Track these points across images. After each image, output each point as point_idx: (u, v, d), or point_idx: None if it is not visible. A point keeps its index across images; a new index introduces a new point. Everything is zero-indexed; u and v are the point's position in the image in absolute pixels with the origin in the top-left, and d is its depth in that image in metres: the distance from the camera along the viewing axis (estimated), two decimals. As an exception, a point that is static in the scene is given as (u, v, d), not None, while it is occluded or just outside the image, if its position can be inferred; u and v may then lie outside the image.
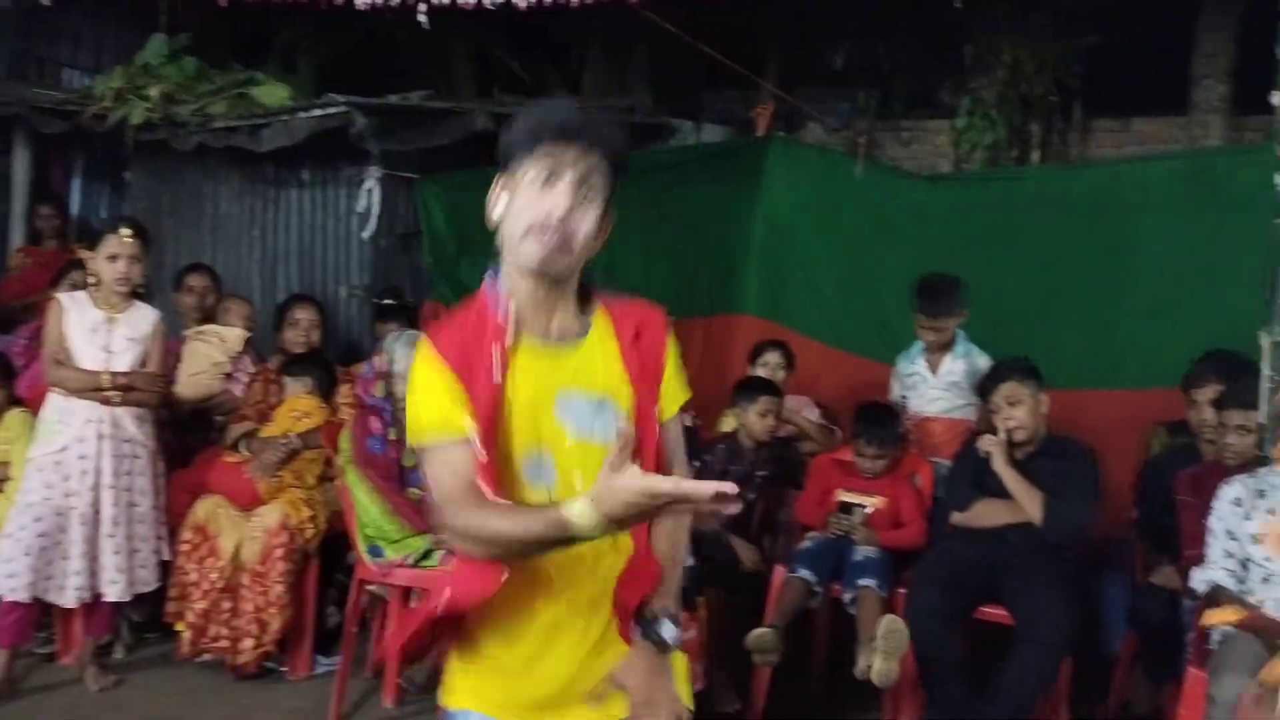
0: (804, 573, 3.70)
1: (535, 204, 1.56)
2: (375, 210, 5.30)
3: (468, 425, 1.56)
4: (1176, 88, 5.62)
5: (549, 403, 1.62)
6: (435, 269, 5.48)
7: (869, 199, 5.34)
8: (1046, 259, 4.88)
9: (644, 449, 1.64)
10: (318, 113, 5.04)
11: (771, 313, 5.48)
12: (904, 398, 4.35)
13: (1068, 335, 4.72)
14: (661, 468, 1.69)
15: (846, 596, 3.63)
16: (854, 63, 6.23)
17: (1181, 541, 3.43)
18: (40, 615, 3.82)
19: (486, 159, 5.71)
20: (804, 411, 4.60)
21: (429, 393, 1.60)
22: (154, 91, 5.05)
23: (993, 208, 5.15)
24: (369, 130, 4.93)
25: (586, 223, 1.59)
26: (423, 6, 4.23)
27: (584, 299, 1.68)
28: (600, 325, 1.69)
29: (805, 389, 4.82)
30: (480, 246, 5.83)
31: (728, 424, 4.31)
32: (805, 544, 3.91)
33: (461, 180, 5.67)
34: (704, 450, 4.07)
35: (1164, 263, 4.59)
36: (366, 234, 5.38)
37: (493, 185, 1.63)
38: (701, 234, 5.57)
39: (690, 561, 3.80)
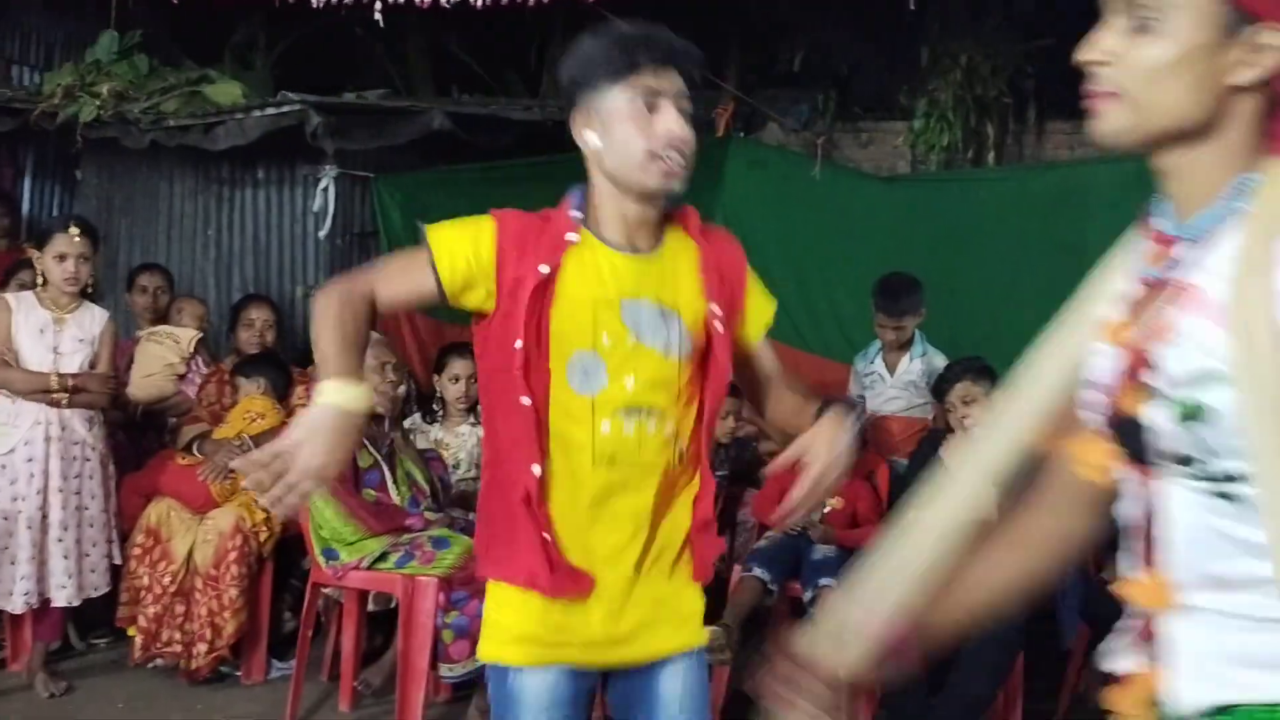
0: (759, 571, 3.70)
1: (647, 130, 1.64)
2: (331, 209, 5.26)
3: (444, 274, 1.68)
4: (1129, 90, 5.70)
5: (615, 306, 1.67)
6: (392, 269, 5.44)
7: (827, 200, 5.38)
8: (1002, 259, 4.94)
9: (718, 361, 1.73)
10: (272, 111, 4.99)
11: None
12: (862, 397, 4.38)
13: (1023, 334, 4.76)
14: (757, 384, 1.85)
15: (806, 596, 3.64)
16: (812, 64, 6.24)
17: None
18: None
19: (443, 158, 5.75)
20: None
21: (464, 228, 1.74)
22: (105, 89, 4.96)
23: (949, 209, 5.20)
24: (325, 129, 4.89)
25: (693, 140, 1.68)
26: (378, 4, 4.19)
27: (664, 215, 1.74)
28: (676, 240, 1.75)
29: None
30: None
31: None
32: (761, 543, 3.93)
33: (419, 180, 5.65)
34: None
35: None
36: (323, 233, 5.33)
37: (571, 121, 1.72)
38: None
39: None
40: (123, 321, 4.06)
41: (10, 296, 3.72)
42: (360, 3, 4.20)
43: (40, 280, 3.67)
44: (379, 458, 3.65)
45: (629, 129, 1.64)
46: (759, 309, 1.82)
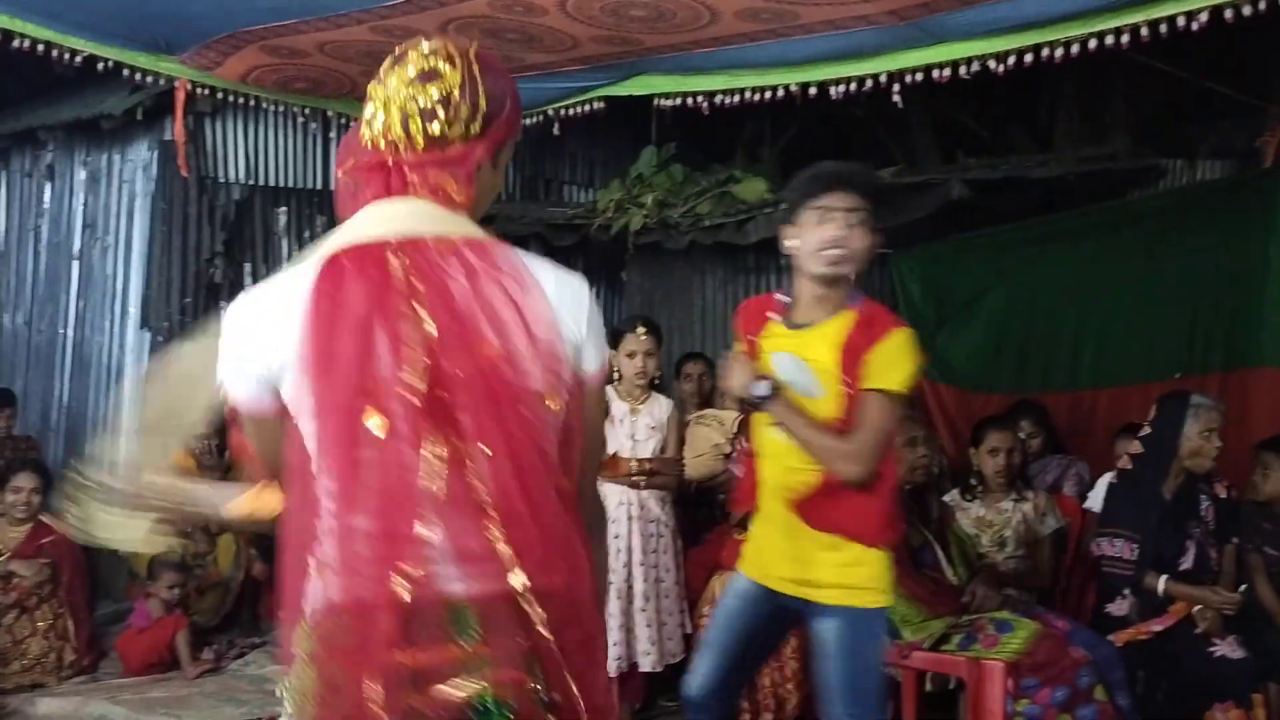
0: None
1: (818, 233, 2.42)
2: (852, 288, 5.39)
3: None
4: None
5: (768, 356, 2.52)
6: (913, 341, 5.46)
7: None
8: None
9: (841, 405, 2.41)
10: (796, 202, 5.25)
11: (1302, 364, 4.81)
12: None
13: None
14: (849, 426, 2.39)
15: None
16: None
17: None
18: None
19: (953, 227, 5.65)
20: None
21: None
22: (649, 199, 5.55)
23: None
24: (845, 214, 5.04)
25: (855, 241, 2.41)
26: (895, 86, 4.27)
27: (847, 301, 2.48)
28: (841, 318, 2.45)
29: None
30: (957, 315, 5.77)
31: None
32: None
33: (934, 251, 5.63)
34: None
35: None
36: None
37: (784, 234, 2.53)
38: (1206, 282, 5.04)
39: (1241, 654, 3.41)
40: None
41: (598, 391, 4.23)
42: (879, 88, 4.30)
43: (615, 375, 4.14)
44: (930, 536, 3.64)
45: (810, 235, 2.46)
46: (877, 372, 2.39)
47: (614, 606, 3.96)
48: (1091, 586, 3.98)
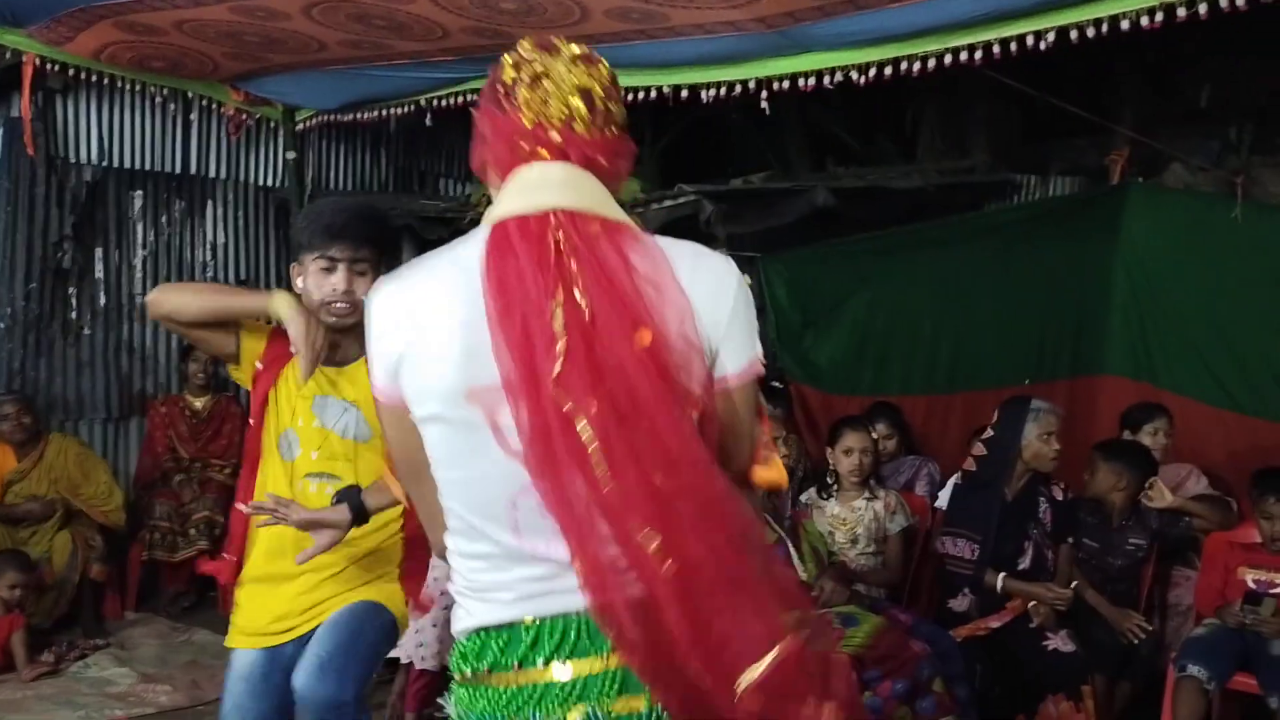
0: (1195, 670, 3.35)
1: (322, 285, 2.41)
2: (721, 290, 5.47)
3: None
4: None
5: (309, 401, 2.47)
6: (780, 343, 5.56)
7: (1252, 243, 4.85)
8: None
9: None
10: (669, 203, 5.31)
11: (1141, 373, 5.08)
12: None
13: None
14: None
15: (1273, 702, 3.24)
16: (1222, 98, 5.72)
17: None
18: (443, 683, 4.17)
19: (822, 232, 5.80)
20: (1188, 482, 4.21)
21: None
22: (509, 194, 5.51)
23: None
24: (716, 216, 5.12)
25: (360, 291, 2.37)
26: (764, 93, 4.34)
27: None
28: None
29: (1188, 455, 4.41)
30: (822, 319, 5.91)
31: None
32: (1199, 631, 3.56)
33: (801, 256, 5.75)
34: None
35: None
36: (713, 313, 5.55)
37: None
38: (1056, 292, 5.29)
39: (1071, 648, 3.57)
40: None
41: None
42: (747, 93, 4.37)
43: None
44: (782, 533, 3.71)
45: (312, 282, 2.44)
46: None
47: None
48: (937, 582, 4.11)
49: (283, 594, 2.45)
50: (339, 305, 2.39)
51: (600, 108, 1.41)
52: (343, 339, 2.46)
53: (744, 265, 5.63)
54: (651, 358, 1.28)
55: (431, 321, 1.35)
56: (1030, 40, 3.68)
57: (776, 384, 5.13)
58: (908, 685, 3.26)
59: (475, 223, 5.37)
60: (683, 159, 6.64)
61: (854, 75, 4.13)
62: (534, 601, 1.34)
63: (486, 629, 1.37)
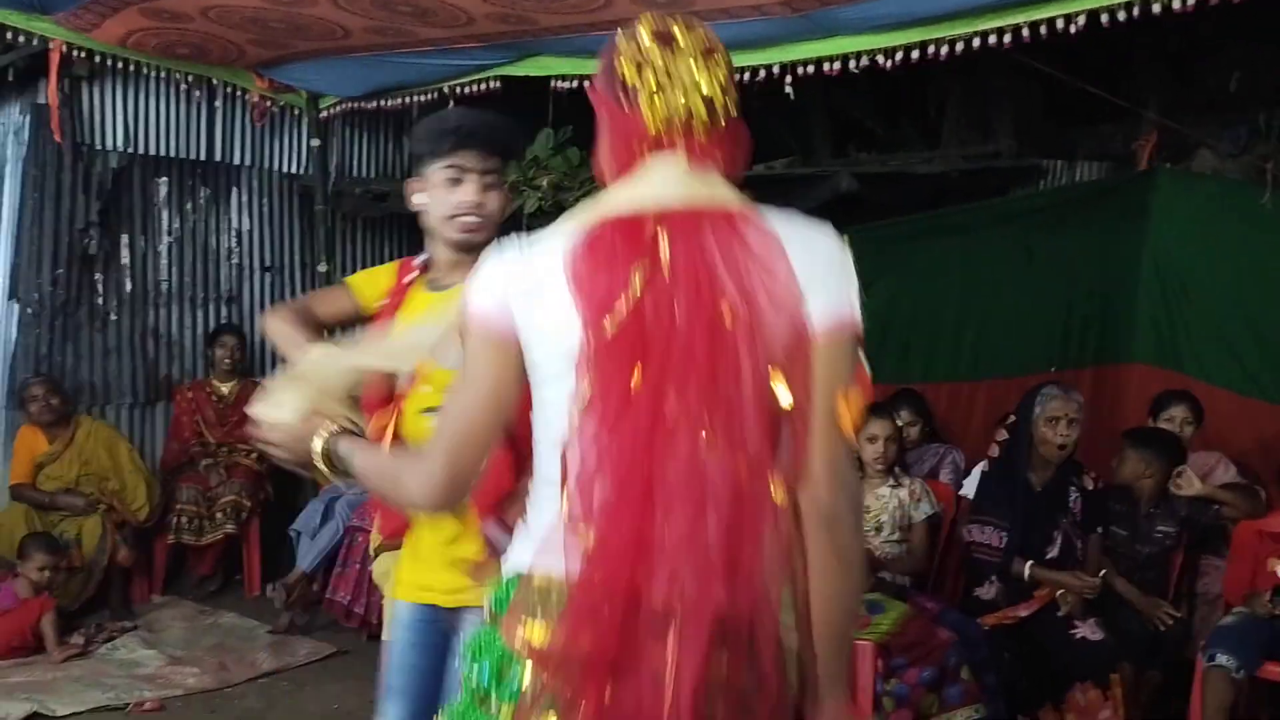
0: (1224, 659, 3.33)
1: (450, 197, 2.17)
2: (745, 277, 5.45)
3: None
4: None
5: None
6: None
7: (1281, 229, 4.80)
8: None
9: None
10: (688, 189, 5.27)
11: (1168, 360, 5.04)
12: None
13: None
14: None
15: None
16: (1250, 85, 5.65)
17: None
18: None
19: (843, 218, 5.78)
20: (1217, 470, 4.17)
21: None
22: (545, 182, 5.51)
23: None
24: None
25: (491, 205, 2.19)
26: (788, 78, 4.32)
27: None
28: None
29: (1217, 444, 4.38)
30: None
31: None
32: (1228, 619, 3.54)
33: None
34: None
35: None
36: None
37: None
38: (1081, 279, 5.25)
39: (1100, 636, 3.56)
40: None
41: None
42: (771, 78, 4.35)
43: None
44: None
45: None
46: None
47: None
48: (963, 570, 4.10)
49: (442, 557, 2.22)
50: (470, 219, 2.15)
51: (719, 107, 1.43)
52: (462, 260, 2.16)
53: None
54: (737, 340, 1.32)
55: (551, 286, 1.38)
56: (1060, 24, 3.65)
57: None
58: (935, 673, 3.26)
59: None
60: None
61: (880, 59, 4.11)
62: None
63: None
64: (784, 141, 6.45)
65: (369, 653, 4.68)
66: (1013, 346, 5.32)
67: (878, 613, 3.38)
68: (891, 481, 4.07)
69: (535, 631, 1.35)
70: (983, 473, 4.08)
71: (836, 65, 4.23)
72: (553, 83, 4.91)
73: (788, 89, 4.32)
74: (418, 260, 2.30)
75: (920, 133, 6.55)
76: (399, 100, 5.60)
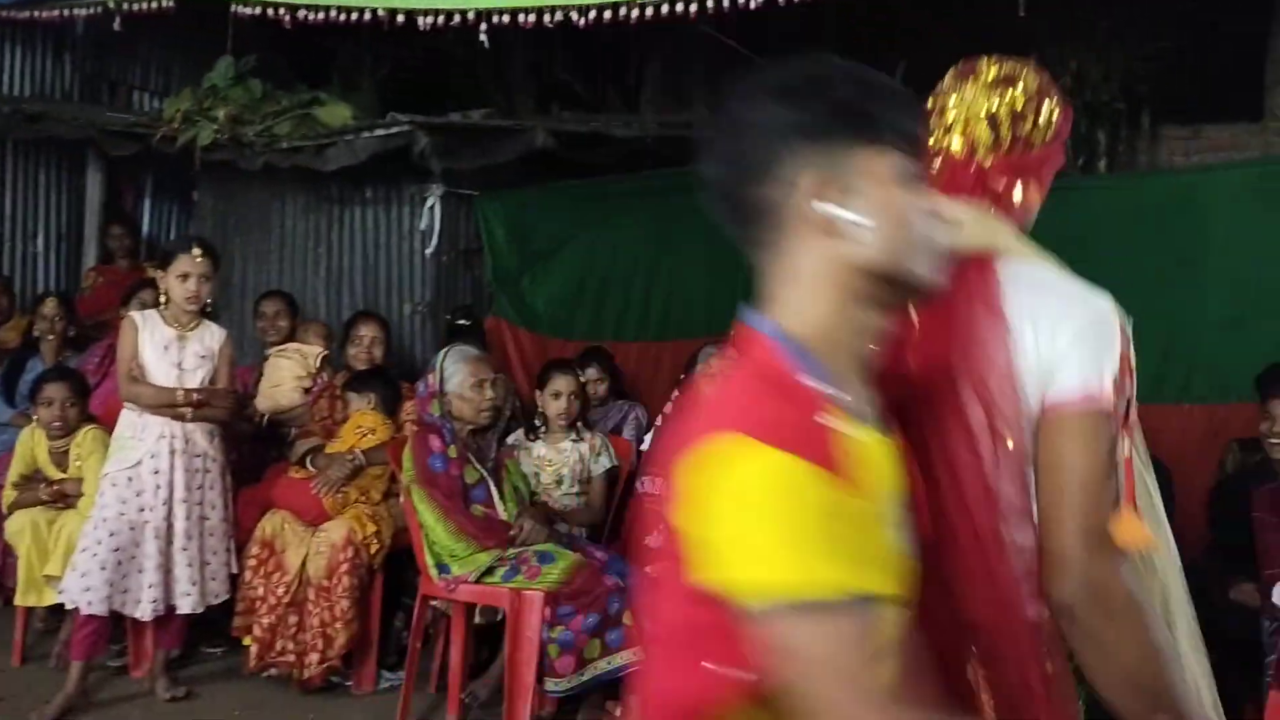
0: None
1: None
2: (438, 227, 5.36)
3: None
4: (1250, 94, 5.49)
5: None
6: (497, 285, 5.52)
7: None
8: (1115, 267, 4.73)
9: None
10: (381, 132, 5.11)
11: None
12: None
13: (1137, 348, 4.60)
14: None
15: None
16: (916, 71, 6.15)
17: (1261, 559, 3.33)
18: (112, 628, 3.89)
19: (544, 175, 5.79)
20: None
21: None
22: (221, 113, 5.14)
23: (1060, 216, 5.02)
24: (431, 149, 4.98)
25: None
26: (483, 26, 4.25)
27: None
28: None
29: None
30: (540, 261, 5.90)
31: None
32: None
33: (521, 197, 5.71)
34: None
35: (1235, 274, 4.47)
36: (429, 251, 5.43)
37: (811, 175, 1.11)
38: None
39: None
40: (241, 341, 4.19)
41: (137, 315, 3.87)
42: (466, 24, 4.26)
43: (163, 299, 3.81)
44: (485, 473, 3.70)
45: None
46: None
47: (151, 546, 3.67)
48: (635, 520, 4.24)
49: None
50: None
51: (1006, 132, 1.40)
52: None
53: (461, 203, 5.58)
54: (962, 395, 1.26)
55: None
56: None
57: (464, 321, 5.08)
58: (598, 619, 3.35)
59: (168, 139, 4.92)
60: (405, 93, 6.41)
61: (574, 16, 4.13)
62: None
63: None
64: (487, 93, 6.37)
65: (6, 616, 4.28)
66: (699, 308, 5.52)
67: (549, 562, 3.43)
68: (574, 436, 4.14)
69: None
70: (656, 428, 4.22)
71: (531, 18, 4.21)
72: (233, 7, 4.58)
73: (482, 37, 4.25)
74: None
75: (622, 98, 6.67)
76: (56, 12, 5.05)
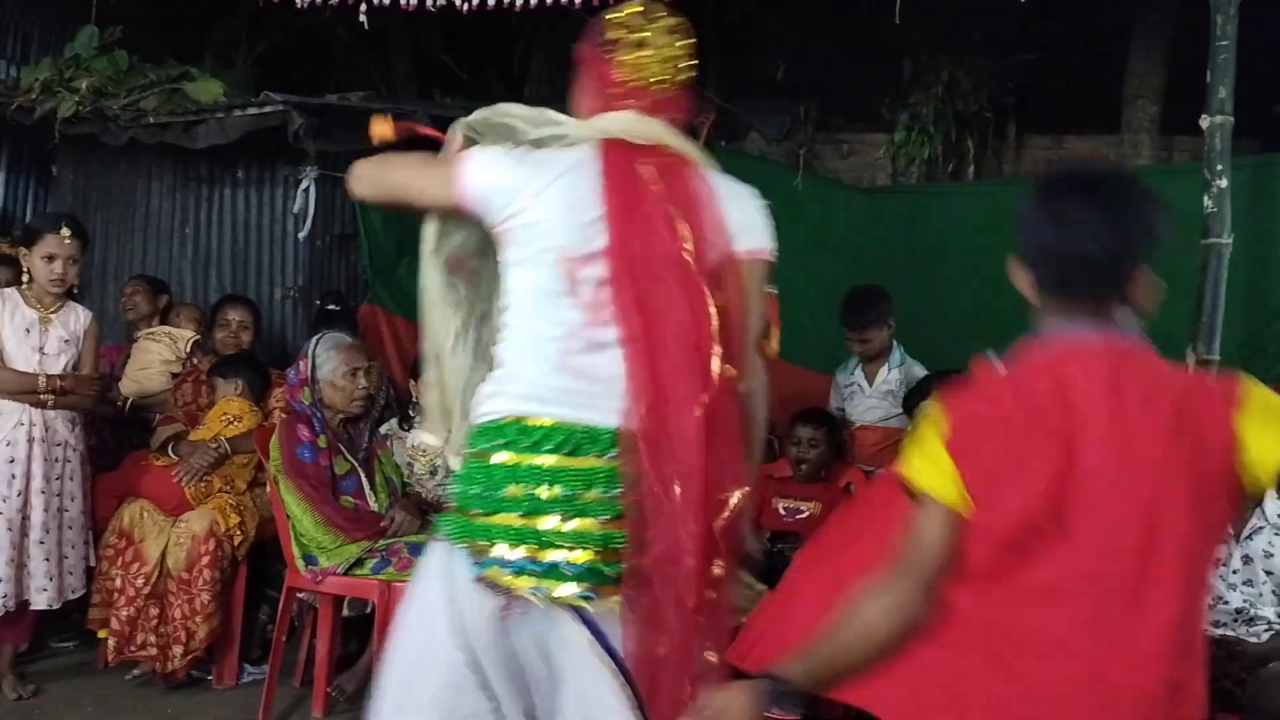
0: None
1: None
2: (312, 210, 5.23)
3: None
4: (1109, 107, 5.76)
5: None
6: (373, 271, 5.42)
7: (808, 210, 5.37)
8: (982, 272, 4.96)
9: None
10: (254, 111, 4.95)
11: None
12: (841, 409, 4.40)
13: (1001, 347, 4.78)
14: None
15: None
16: (795, 74, 6.26)
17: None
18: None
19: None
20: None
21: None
22: (84, 84, 4.92)
23: (930, 221, 5.22)
24: (307, 130, 4.86)
25: None
26: (363, 6, 4.16)
27: None
28: None
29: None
30: (417, 249, 5.80)
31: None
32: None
33: (400, 182, 5.62)
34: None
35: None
36: (303, 234, 5.31)
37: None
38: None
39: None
40: (102, 323, 4.02)
41: (-6, 294, 3.66)
42: (345, 4, 4.17)
43: (25, 278, 3.62)
44: (356, 463, 3.64)
45: None
46: None
47: (4, 539, 3.49)
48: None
49: None
50: None
51: (679, 75, 1.89)
52: None
53: (337, 186, 5.47)
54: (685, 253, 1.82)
55: (542, 189, 1.82)
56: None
57: (333, 307, 4.99)
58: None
59: (24, 109, 4.67)
60: (282, 72, 6.24)
61: (457, 1, 4.08)
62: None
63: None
64: (368, 77, 6.25)
65: None
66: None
67: (419, 555, 3.37)
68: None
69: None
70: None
71: (413, 1, 4.14)
72: (98, -26, 4.38)
73: (362, 18, 4.17)
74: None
75: (505, 84, 6.62)
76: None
